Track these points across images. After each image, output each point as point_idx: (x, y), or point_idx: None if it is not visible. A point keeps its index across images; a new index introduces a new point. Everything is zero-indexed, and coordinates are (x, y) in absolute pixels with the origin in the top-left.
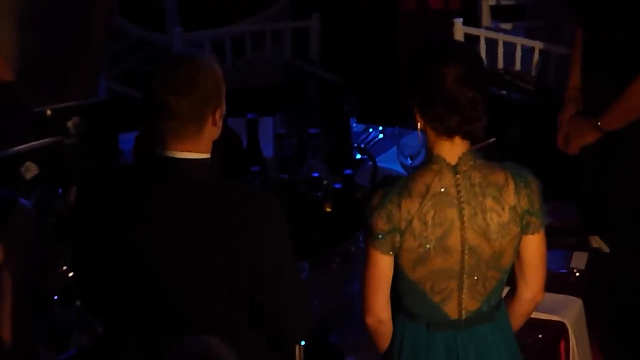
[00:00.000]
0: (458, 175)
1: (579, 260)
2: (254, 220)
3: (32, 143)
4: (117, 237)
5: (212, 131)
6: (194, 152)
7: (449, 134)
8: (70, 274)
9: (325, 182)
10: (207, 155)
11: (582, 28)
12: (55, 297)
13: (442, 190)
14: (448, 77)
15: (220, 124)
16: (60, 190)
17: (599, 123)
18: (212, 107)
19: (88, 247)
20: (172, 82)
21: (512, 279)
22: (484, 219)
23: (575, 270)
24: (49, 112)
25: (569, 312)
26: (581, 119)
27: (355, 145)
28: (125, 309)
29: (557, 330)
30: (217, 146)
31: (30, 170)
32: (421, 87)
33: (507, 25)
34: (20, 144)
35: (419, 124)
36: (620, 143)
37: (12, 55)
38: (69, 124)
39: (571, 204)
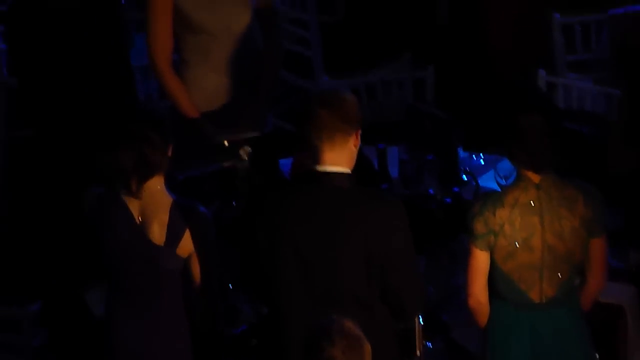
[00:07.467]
0: (540, 191)
1: (635, 257)
2: (387, 219)
3: (213, 166)
4: (281, 236)
5: (353, 150)
6: (340, 165)
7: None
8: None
9: (438, 197)
10: (349, 170)
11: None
12: (230, 286)
13: (528, 202)
14: (527, 127)
15: (358, 146)
16: (234, 202)
17: None
18: (354, 127)
19: (256, 244)
20: (325, 100)
21: (582, 272)
22: (560, 225)
23: (632, 265)
24: (225, 142)
25: (626, 297)
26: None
27: (462, 168)
28: (288, 291)
29: (617, 312)
30: (356, 169)
31: (212, 186)
32: (505, 132)
33: (579, 75)
34: (204, 167)
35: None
36: None
37: (199, 97)
38: (241, 151)
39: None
